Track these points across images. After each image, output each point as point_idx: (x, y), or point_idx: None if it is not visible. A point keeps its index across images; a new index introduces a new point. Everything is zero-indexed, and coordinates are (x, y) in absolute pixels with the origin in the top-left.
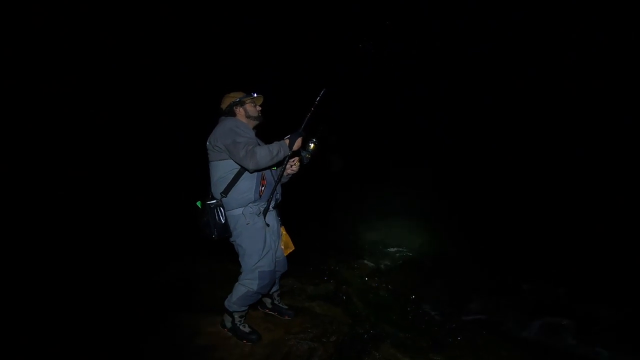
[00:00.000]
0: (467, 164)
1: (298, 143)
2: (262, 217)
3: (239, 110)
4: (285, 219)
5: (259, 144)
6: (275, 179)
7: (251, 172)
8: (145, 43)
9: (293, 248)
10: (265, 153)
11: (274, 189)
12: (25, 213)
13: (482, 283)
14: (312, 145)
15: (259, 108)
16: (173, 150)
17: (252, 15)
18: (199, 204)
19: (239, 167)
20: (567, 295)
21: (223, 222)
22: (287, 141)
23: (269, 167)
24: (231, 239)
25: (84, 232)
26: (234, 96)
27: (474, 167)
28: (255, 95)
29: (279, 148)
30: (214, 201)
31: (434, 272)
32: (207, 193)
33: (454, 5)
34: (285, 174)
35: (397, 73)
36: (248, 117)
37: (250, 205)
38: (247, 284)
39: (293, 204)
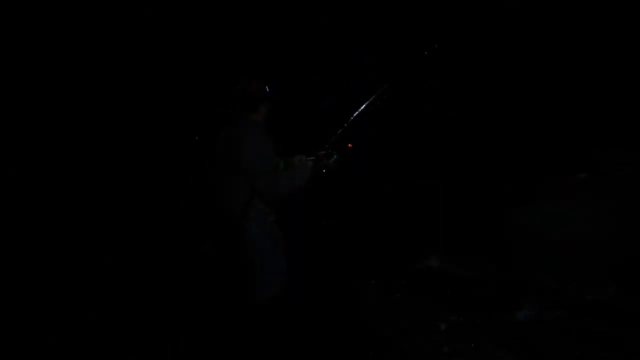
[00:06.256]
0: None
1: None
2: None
3: (263, 109)
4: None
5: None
6: None
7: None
8: (146, 43)
9: None
10: (288, 186)
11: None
12: (25, 213)
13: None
14: (331, 161)
15: None
16: (172, 151)
17: (252, 15)
18: None
19: None
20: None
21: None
22: (311, 163)
23: None
24: None
25: (85, 233)
26: (263, 87)
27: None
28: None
29: (302, 175)
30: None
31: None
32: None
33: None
34: None
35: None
36: (265, 119)
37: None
38: None
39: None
